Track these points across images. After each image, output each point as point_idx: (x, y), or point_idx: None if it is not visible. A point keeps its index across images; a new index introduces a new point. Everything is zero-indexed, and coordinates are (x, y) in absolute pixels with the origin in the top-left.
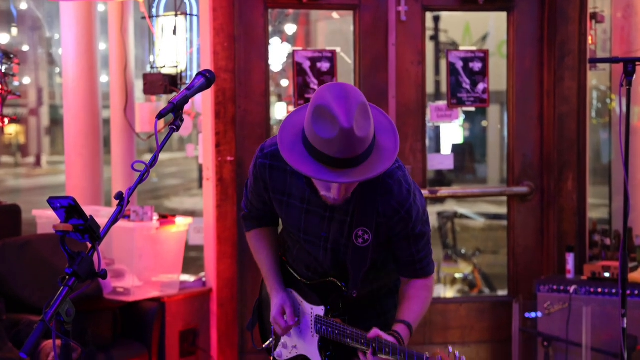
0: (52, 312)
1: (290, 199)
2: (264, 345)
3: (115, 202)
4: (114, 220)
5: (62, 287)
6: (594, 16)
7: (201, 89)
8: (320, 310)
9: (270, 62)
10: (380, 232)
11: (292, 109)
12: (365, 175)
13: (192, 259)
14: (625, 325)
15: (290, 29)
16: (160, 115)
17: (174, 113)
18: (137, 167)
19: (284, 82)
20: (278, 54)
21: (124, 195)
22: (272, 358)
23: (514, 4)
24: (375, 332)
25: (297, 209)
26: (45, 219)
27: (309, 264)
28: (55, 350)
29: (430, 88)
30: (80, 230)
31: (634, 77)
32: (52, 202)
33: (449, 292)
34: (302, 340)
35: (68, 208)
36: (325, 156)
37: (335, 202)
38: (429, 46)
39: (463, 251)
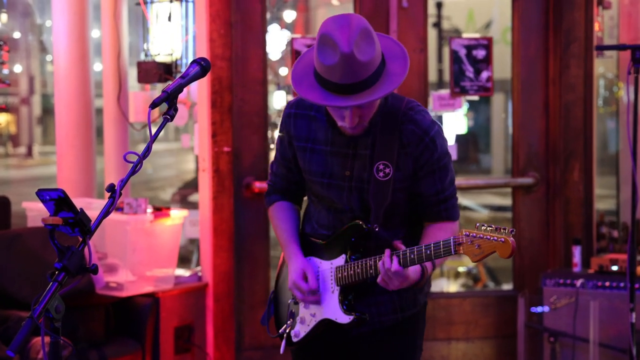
0: (41, 308)
1: (315, 145)
2: (279, 331)
3: (107, 195)
4: (105, 213)
5: (51, 283)
6: (600, 2)
7: (196, 77)
8: (341, 260)
9: (268, 49)
10: (404, 164)
11: (290, 97)
12: (370, 97)
13: (188, 252)
14: (633, 320)
15: (289, 15)
16: (153, 105)
17: (168, 102)
18: (130, 158)
19: (284, 71)
20: (277, 41)
21: (115, 188)
22: (284, 343)
23: None
24: (396, 244)
25: (322, 153)
26: (36, 211)
27: (331, 222)
28: (44, 347)
29: (432, 76)
30: (70, 223)
31: None
32: (41, 194)
33: (452, 287)
34: (322, 302)
35: (57, 200)
36: (330, 83)
37: (354, 131)
38: (432, 33)
39: None
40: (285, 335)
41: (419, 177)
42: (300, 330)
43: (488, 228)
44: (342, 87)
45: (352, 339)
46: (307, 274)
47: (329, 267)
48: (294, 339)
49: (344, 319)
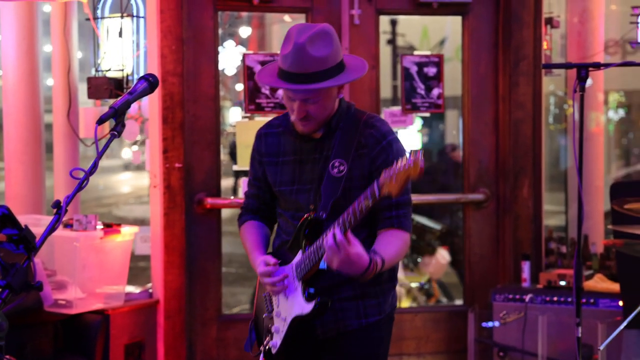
0: None
1: (285, 157)
2: (260, 348)
3: (55, 211)
4: (50, 229)
5: None
6: (549, 21)
7: (144, 93)
8: (299, 256)
9: (222, 65)
10: (361, 164)
11: (244, 114)
12: (311, 86)
13: (140, 269)
14: (580, 335)
15: (244, 31)
16: (100, 121)
17: (115, 118)
18: (77, 174)
19: (239, 87)
20: (232, 57)
21: (61, 204)
22: (261, 357)
23: (469, 8)
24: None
25: (291, 163)
26: None
27: (296, 227)
28: None
29: (387, 93)
30: (14, 240)
31: (589, 82)
32: None
33: (405, 302)
34: (289, 301)
35: (1, 217)
36: (283, 71)
37: (305, 129)
38: (386, 50)
39: (419, 260)
40: (264, 350)
41: (374, 178)
42: (277, 340)
43: (399, 160)
44: (291, 75)
45: (319, 344)
46: (268, 260)
47: (291, 267)
48: (273, 350)
49: (307, 308)
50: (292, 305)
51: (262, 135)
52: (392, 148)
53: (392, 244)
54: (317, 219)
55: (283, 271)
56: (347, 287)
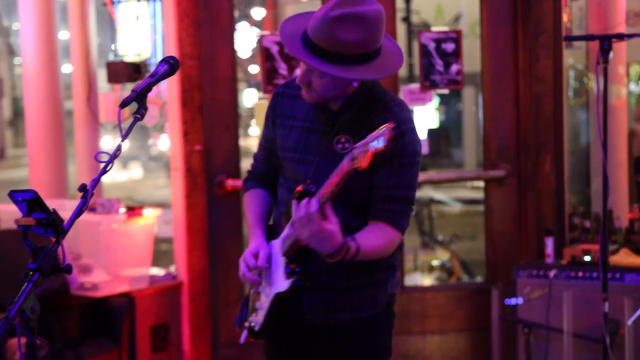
0: (16, 308)
1: (295, 122)
2: (245, 324)
3: (79, 195)
4: (78, 213)
5: (25, 283)
6: None
7: (165, 76)
8: (287, 230)
9: (237, 47)
10: None
11: (261, 95)
12: (319, 65)
13: (162, 252)
14: (606, 310)
15: (258, 13)
16: (123, 104)
17: (138, 101)
18: (101, 157)
19: (254, 68)
20: (246, 39)
21: (87, 187)
22: (245, 332)
23: None
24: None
25: (299, 129)
26: (9, 213)
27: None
28: (21, 348)
29: (402, 71)
30: (43, 224)
31: (611, 54)
32: (13, 195)
33: (426, 280)
34: (273, 277)
35: (30, 201)
36: (306, 33)
37: (308, 98)
38: (401, 28)
39: (440, 238)
40: (248, 326)
41: (376, 164)
42: (260, 317)
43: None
44: (310, 42)
45: (308, 332)
46: (260, 251)
47: (280, 241)
48: (256, 328)
49: (284, 285)
50: (275, 282)
51: (280, 94)
52: (404, 139)
53: (375, 237)
54: (307, 191)
55: (265, 263)
56: (340, 277)
